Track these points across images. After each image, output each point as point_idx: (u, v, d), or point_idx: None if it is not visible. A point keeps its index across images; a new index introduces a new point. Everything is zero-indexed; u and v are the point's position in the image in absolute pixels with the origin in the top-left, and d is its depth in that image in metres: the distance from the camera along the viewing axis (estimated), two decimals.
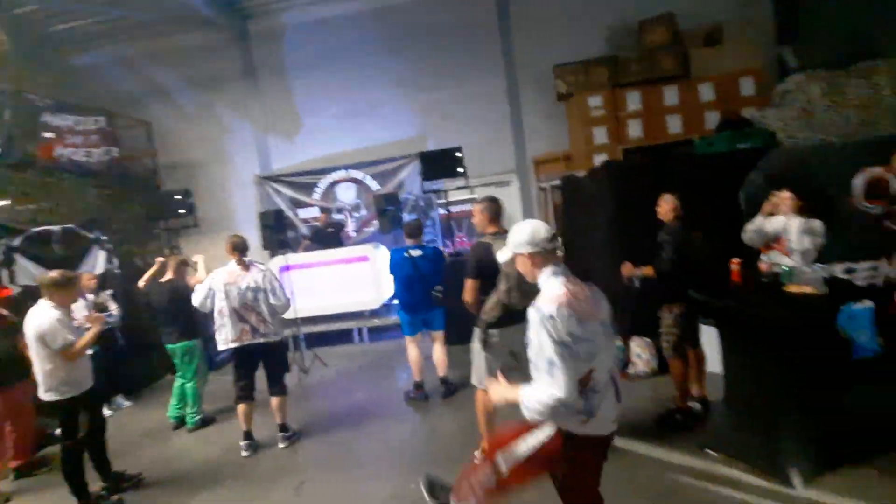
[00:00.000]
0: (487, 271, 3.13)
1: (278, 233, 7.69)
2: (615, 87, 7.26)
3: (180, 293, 4.66)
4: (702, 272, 3.19)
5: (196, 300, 4.09)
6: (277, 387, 4.14)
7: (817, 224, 3.35)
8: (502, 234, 3.24)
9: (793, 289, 2.85)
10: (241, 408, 4.10)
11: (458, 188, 7.23)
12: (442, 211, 8.08)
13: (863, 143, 3.99)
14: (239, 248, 4.04)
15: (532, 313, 1.83)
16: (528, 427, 1.90)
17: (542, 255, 1.93)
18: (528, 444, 1.88)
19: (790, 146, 4.38)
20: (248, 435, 4.13)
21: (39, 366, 3.44)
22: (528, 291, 3.04)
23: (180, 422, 4.89)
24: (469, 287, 3.27)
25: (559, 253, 1.97)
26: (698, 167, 4.60)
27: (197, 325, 4.89)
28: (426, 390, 4.79)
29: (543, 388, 1.74)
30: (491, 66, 8.20)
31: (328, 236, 7.45)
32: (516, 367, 3.33)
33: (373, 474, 3.62)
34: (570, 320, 1.75)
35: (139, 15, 7.52)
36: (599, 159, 6.99)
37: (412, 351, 4.74)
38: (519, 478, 1.93)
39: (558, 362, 1.71)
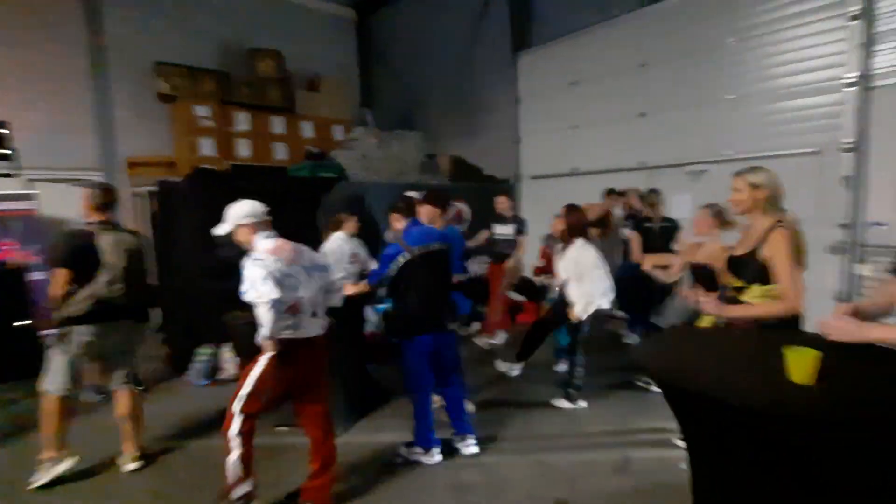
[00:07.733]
0: (85, 261, 2.79)
1: None
2: (224, 102, 7.31)
3: None
4: None
5: None
6: None
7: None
8: (108, 225, 2.93)
9: None
10: None
11: (3, 175, 5.47)
12: None
13: (399, 185, 5.50)
14: None
15: (246, 261, 2.33)
16: (247, 371, 2.40)
17: (259, 224, 2.46)
18: (251, 378, 2.37)
19: (354, 180, 5.65)
20: None
21: None
22: (133, 286, 2.94)
23: None
24: (59, 278, 2.74)
25: (269, 222, 2.52)
26: (289, 185, 5.29)
27: None
28: None
29: (259, 301, 2.23)
30: (71, 32, 6.70)
31: None
32: (102, 369, 3.05)
33: None
34: (276, 262, 2.35)
35: None
36: None
37: None
38: (255, 403, 2.37)
39: (267, 281, 2.27)
